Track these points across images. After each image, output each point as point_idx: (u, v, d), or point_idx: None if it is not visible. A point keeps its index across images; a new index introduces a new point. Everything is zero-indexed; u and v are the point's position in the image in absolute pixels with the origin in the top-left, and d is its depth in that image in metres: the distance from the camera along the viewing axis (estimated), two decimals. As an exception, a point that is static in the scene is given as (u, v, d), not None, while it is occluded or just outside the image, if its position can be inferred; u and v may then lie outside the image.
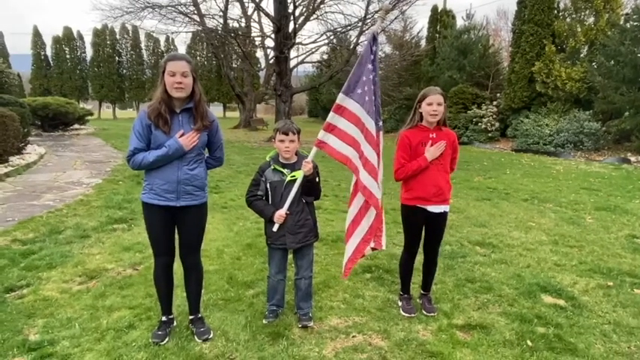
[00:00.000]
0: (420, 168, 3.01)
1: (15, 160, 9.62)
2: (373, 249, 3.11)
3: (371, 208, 2.91)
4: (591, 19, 14.68)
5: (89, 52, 36.82)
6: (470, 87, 18.13)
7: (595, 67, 13.56)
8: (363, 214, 2.95)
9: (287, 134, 2.88)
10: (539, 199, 7.23)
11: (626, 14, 13.83)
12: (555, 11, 15.19)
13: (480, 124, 16.67)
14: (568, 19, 15.12)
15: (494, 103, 17.04)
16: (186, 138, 2.58)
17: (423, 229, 3.20)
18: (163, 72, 2.54)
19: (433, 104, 2.96)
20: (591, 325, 3.05)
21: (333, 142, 2.91)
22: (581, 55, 14.79)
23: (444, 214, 3.13)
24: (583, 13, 14.85)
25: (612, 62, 12.86)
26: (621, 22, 13.58)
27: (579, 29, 14.51)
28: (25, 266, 3.93)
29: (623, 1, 14.59)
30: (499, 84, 18.81)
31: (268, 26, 19.89)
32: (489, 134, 16.51)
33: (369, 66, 2.88)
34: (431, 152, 3.00)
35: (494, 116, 16.56)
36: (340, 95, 2.89)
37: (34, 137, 14.27)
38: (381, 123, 2.97)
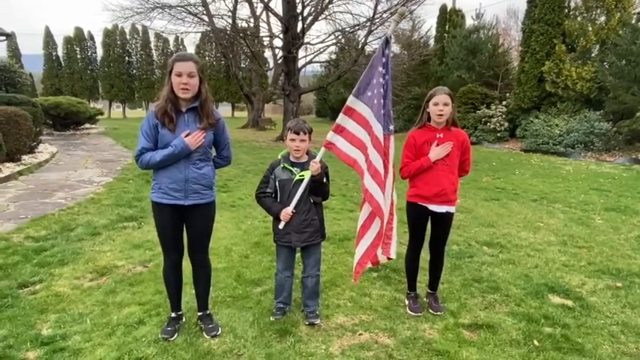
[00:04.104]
0: (422, 167, 3.03)
1: (27, 158, 9.78)
2: (389, 258, 3.14)
3: None
4: (602, 19, 14.49)
5: (100, 52, 37.26)
6: (479, 87, 18.02)
7: (606, 66, 13.41)
8: (373, 219, 2.96)
9: (298, 134, 2.91)
10: (548, 199, 7.18)
11: (638, 13, 13.66)
12: (566, 10, 15.03)
13: (489, 124, 16.56)
14: (579, 19, 14.95)
15: (504, 103, 16.91)
16: (192, 137, 2.61)
17: (426, 228, 3.22)
18: (170, 71, 2.58)
19: (439, 104, 2.97)
20: (599, 326, 3.04)
21: (341, 144, 2.93)
22: (592, 55, 14.62)
23: (448, 215, 3.14)
24: (594, 12, 14.66)
25: (624, 62, 12.69)
26: (633, 22, 13.40)
27: (590, 28, 14.33)
28: (38, 263, 4.01)
29: (634, -1, 14.42)
30: (508, 84, 18.66)
31: (277, 26, 19.95)
32: (498, 134, 16.39)
33: (381, 69, 2.88)
34: (435, 152, 3.01)
35: (504, 116, 16.44)
36: (350, 97, 2.92)
37: (46, 136, 14.47)
38: (392, 127, 2.98)
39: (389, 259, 3.15)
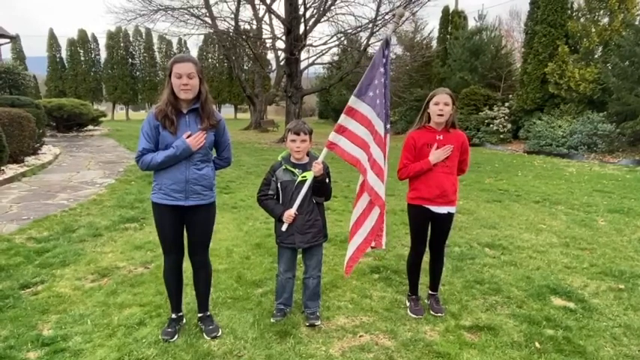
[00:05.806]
0: (422, 170, 3.03)
1: (30, 160, 9.82)
2: (373, 247, 3.14)
3: (374, 210, 2.94)
4: (605, 20, 14.46)
5: (103, 55, 37.45)
6: (482, 88, 18.00)
7: (609, 67, 13.36)
8: (367, 216, 2.99)
9: (298, 134, 2.91)
10: (551, 201, 7.15)
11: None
12: (569, 11, 15.01)
13: (491, 125, 16.53)
14: (582, 20, 14.92)
15: (507, 104, 16.88)
16: (194, 138, 2.62)
17: (428, 229, 3.21)
18: (170, 74, 2.59)
19: (440, 104, 2.97)
20: (601, 328, 3.02)
21: (343, 144, 2.94)
22: (595, 56, 14.59)
23: (449, 215, 3.13)
24: (597, 13, 14.63)
25: (627, 63, 12.65)
26: (636, 22, 13.36)
27: (593, 29, 14.29)
28: (40, 263, 4.02)
29: (638, 0, 14.35)
30: (511, 85, 18.64)
31: (279, 28, 20.00)
32: (501, 136, 16.36)
33: (381, 69, 2.90)
34: (435, 155, 3.01)
35: (506, 118, 16.41)
36: (352, 98, 2.93)
37: (49, 138, 14.52)
38: (389, 126, 3.00)
39: (373, 248, 3.15)
